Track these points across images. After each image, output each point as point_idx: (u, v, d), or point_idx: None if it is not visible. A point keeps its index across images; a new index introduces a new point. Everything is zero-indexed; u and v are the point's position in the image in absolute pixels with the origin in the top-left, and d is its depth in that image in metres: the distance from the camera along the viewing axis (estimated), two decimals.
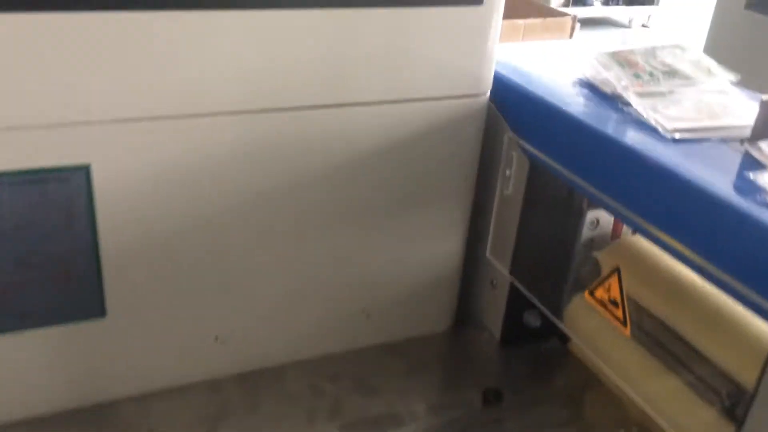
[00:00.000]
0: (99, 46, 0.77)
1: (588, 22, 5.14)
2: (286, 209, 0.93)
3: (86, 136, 0.80)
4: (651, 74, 0.95)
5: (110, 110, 0.80)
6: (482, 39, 0.93)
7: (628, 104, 0.90)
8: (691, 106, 0.89)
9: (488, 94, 0.98)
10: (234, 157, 0.88)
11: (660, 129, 0.84)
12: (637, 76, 0.95)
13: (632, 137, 0.84)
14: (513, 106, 0.99)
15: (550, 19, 3.33)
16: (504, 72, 1.01)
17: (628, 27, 5.45)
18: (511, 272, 1.05)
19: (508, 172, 1.01)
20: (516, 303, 1.08)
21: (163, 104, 0.82)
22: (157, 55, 0.79)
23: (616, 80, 0.95)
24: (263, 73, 0.85)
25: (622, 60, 0.98)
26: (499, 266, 1.07)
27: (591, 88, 0.97)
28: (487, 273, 1.10)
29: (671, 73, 0.96)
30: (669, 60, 0.99)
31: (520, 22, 3.21)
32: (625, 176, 0.83)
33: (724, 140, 0.83)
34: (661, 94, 0.91)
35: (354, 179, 0.95)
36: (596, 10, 5.39)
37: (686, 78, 0.95)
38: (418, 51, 0.90)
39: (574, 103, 0.93)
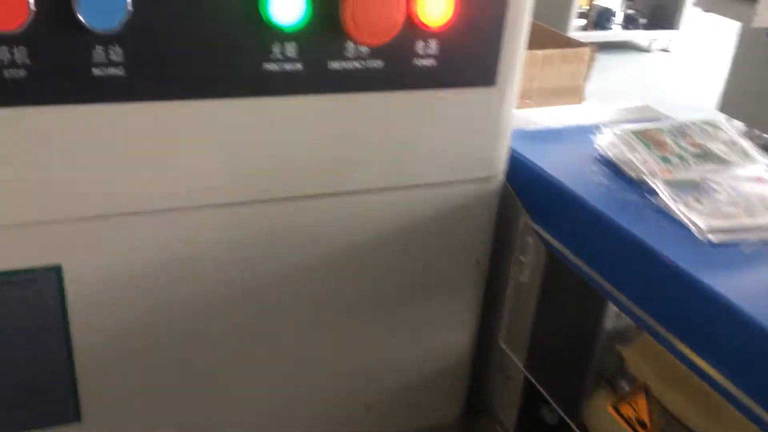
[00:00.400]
0: (68, 141, 0.70)
1: (608, 46, 5.06)
2: (281, 303, 0.86)
3: (56, 235, 0.73)
4: (680, 157, 0.87)
5: (82, 207, 0.73)
6: (495, 120, 0.85)
7: (655, 193, 0.82)
8: (727, 199, 0.80)
9: (502, 175, 0.90)
10: (223, 253, 0.80)
11: (693, 229, 0.75)
12: (665, 159, 0.87)
13: (659, 237, 0.75)
14: (529, 189, 0.91)
15: (568, 50, 3.25)
16: (521, 149, 0.93)
17: (648, 51, 5.36)
18: (526, 365, 0.96)
19: (523, 258, 0.93)
20: (532, 394, 0.99)
21: (142, 199, 0.75)
22: (135, 148, 0.72)
23: (642, 163, 0.86)
24: (254, 162, 0.77)
25: (648, 139, 0.90)
26: (513, 357, 0.98)
27: (614, 169, 0.89)
28: (501, 361, 1.02)
29: (703, 156, 0.87)
30: (700, 140, 0.90)
31: (539, 53, 3.15)
32: (649, 281, 0.75)
33: (765, 243, 0.75)
34: (693, 183, 0.83)
35: (358, 268, 0.87)
36: (616, 34, 5.30)
37: (720, 162, 0.87)
38: (427, 135, 0.83)
39: (594, 189, 0.85)
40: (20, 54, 0.64)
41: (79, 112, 0.69)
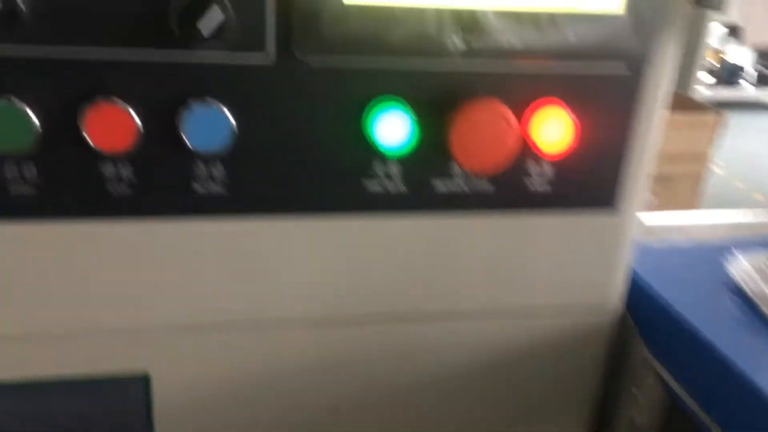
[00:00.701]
0: (166, 252, 0.69)
1: (738, 105, 4.77)
2: (369, 424, 0.81)
3: (146, 343, 0.72)
4: None
5: (175, 317, 0.72)
6: (614, 246, 0.77)
7: None
8: None
9: (618, 302, 0.82)
10: (313, 370, 0.77)
11: None
12: None
13: None
14: (649, 320, 0.82)
15: (694, 115, 3.08)
16: (642, 271, 0.85)
17: None
18: None
19: (637, 394, 0.84)
20: None
21: (234, 311, 0.73)
22: (231, 261, 0.71)
23: None
24: (350, 280, 0.74)
25: None
26: None
27: (749, 305, 0.79)
28: None
29: None
30: None
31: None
32: None
33: None
34: None
35: (453, 395, 0.81)
36: (747, 93, 5.00)
37: None
38: (536, 259, 0.76)
39: (724, 329, 0.75)
40: (125, 170, 0.64)
41: (178, 226, 0.68)
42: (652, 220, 1.01)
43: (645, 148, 0.73)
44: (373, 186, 0.69)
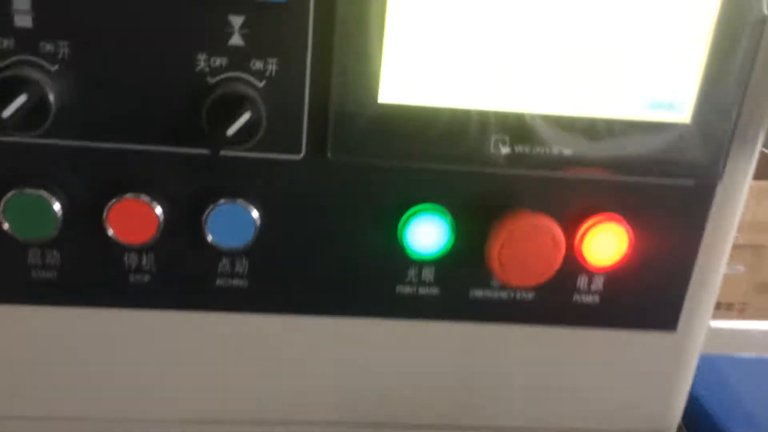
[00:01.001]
0: (183, 344, 0.67)
1: None
2: None
3: None
4: None
5: (186, 409, 0.69)
6: (672, 370, 0.70)
7: None
8: None
9: (675, 426, 0.74)
10: None
11: None
12: None
13: None
14: None
15: None
16: (704, 388, 0.77)
17: None
18: None
19: None
20: None
21: (248, 408, 0.70)
22: (251, 357, 0.68)
23: None
24: (377, 383, 0.69)
25: None
26: None
27: None
28: None
29: None
30: None
31: (752, 183, 2.81)
32: None
33: None
34: None
35: None
36: None
37: None
38: (582, 378, 0.70)
39: None
40: (146, 261, 0.62)
41: (196, 318, 0.65)
42: (719, 326, 0.92)
43: (712, 266, 0.66)
44: (403, 289, 0.65)
